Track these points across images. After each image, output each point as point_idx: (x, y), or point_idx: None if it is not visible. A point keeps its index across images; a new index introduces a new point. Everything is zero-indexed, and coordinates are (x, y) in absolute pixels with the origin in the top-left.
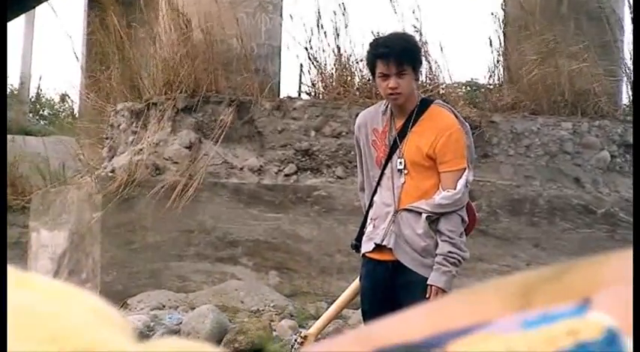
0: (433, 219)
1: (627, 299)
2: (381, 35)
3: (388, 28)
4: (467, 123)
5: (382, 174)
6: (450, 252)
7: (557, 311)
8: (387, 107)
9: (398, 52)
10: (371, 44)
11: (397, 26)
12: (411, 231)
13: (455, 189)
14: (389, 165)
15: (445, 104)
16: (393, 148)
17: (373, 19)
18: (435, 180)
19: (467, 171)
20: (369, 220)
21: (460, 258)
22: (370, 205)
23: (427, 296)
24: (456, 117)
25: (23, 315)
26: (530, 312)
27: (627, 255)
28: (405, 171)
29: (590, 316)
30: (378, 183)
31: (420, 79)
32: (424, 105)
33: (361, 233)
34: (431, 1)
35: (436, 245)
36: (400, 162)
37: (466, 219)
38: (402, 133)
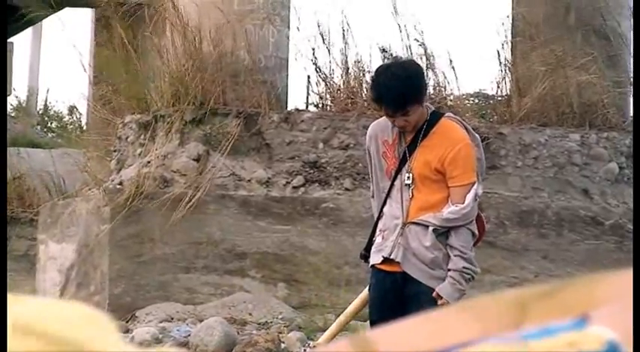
0: (441, 232)
1: (625, 315)
2: (386, 49)
3: (394, 40)
4: (477, 136)
5: (392, 186)
6: (464, 268)
7: (557, 325)
8: None
9: (397, 100)
10: (371, 84)
11: (402, 39)
12: (418, 243)
13: (463, 203)
14: (398, 177)
15: (455, 117)
16: (403, 161)
17: (379, 31)
18: (443, 194)
19: (476, 184)
20: (378, 231)
21: (473, 274)
22: (379, 216)
23: (437, 305)
24: (467, 130)
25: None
26: (529, 326)
27: (621, 275)
28: (413, 185)
29: (590, 330)
30: (388, 195)
31: (428, 91)
32: (434, 118)
33: (370, 243)
34: (438, 12)
35: (445, 257)
36: (408, 177)
37: (476, 232)
38: (412, 147)
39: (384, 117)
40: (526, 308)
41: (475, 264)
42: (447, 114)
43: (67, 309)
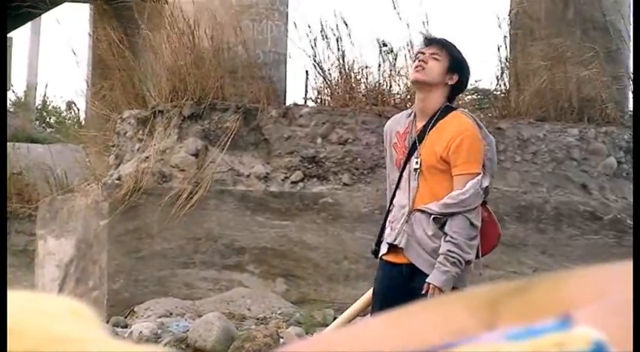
0: (443, 222)
1: (610, 314)
2: (387, 43)
3: (394, 34)
4: (491, 137)
5: (401, 175)
6: (449, 251)
7: (541, 326)
8: (412, 111)
9: (440, 38)
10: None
11: (403, 33)
12: (422, 231)
13: (462, 189)
14: (407, 166)
15: (469, 113)
16: (412, 149)
17: (378, 26)
18: (448, 185)
19: (481, 176)
20: (387, 224)
21: (461, 259)
22: (389, 209)
23: (424, 292)
24: (479, 127)
25: None
26: (503, 325)
27: (597, 271)
28: (420, 171)
29: (576, 330)
30: (397, 186)
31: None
32: (447, 110)
33: (380, 238)
34: (436, 6)
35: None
36: (416, 162)
37: (476, 223)
38: (422, 135)
39: (400, 113)
40: (498, 307)
41: (466, 250)
42: (460, 109)
43: (50, 303)
